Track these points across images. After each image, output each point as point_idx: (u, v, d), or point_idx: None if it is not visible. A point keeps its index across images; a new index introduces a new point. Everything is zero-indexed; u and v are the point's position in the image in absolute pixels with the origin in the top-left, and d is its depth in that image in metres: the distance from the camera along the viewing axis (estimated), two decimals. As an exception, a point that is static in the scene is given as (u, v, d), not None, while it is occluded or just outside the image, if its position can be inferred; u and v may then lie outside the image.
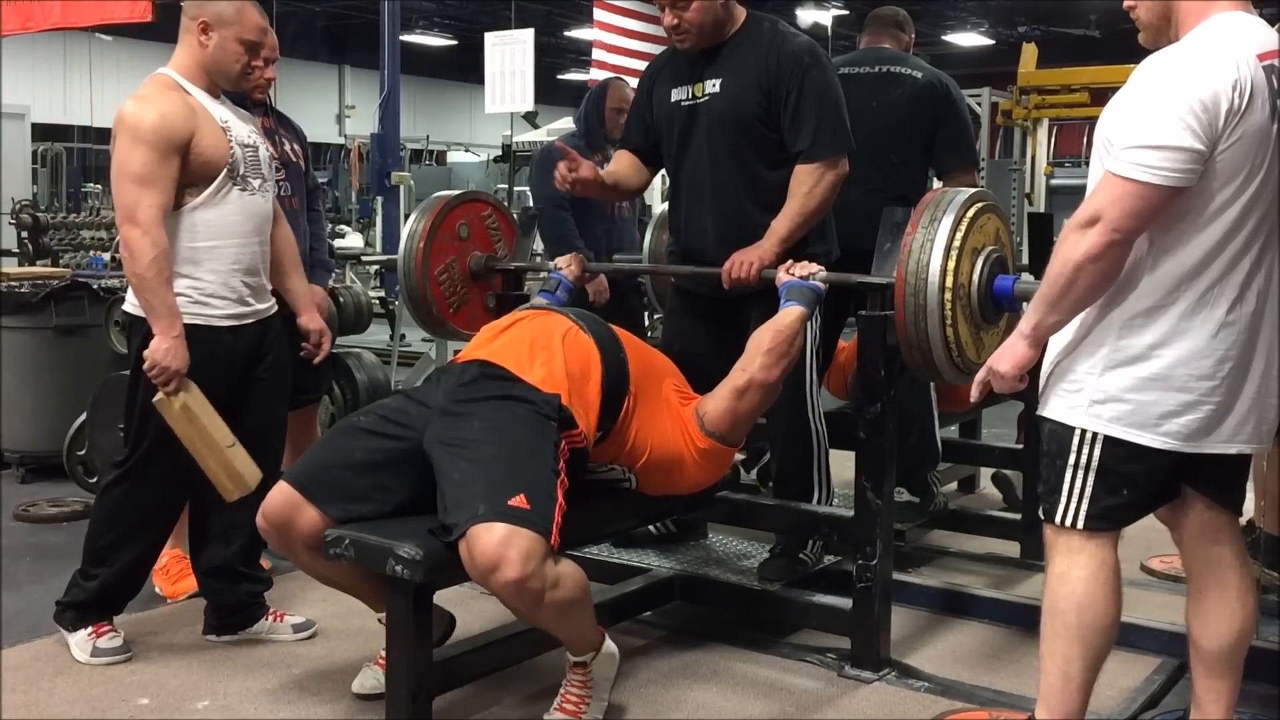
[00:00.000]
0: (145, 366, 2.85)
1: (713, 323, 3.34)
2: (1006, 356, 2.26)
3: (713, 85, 3.18)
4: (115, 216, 2.89)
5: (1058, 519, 2.26)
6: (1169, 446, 2.17)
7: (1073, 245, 2.12)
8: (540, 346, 2.65)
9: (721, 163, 3.19)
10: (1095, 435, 2.20)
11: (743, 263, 3.05)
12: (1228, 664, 2.33)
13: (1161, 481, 2.26)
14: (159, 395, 2.85)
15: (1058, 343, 2.27)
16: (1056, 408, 2.26)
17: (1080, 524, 2.24)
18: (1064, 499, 2.25)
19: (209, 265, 2.93)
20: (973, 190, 2.83)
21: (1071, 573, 2.25)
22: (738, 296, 3.18)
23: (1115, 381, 2.17)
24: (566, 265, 3.29)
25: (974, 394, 2.37)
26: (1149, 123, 2.07)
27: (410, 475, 2.54)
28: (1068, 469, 2.24)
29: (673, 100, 3.26)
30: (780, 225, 3.10)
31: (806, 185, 3.09)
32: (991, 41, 15.96)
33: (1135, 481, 2.22)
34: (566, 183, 3.21)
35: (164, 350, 2.82)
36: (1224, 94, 2.05)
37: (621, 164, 3.44)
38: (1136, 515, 2.30)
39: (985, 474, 4.82)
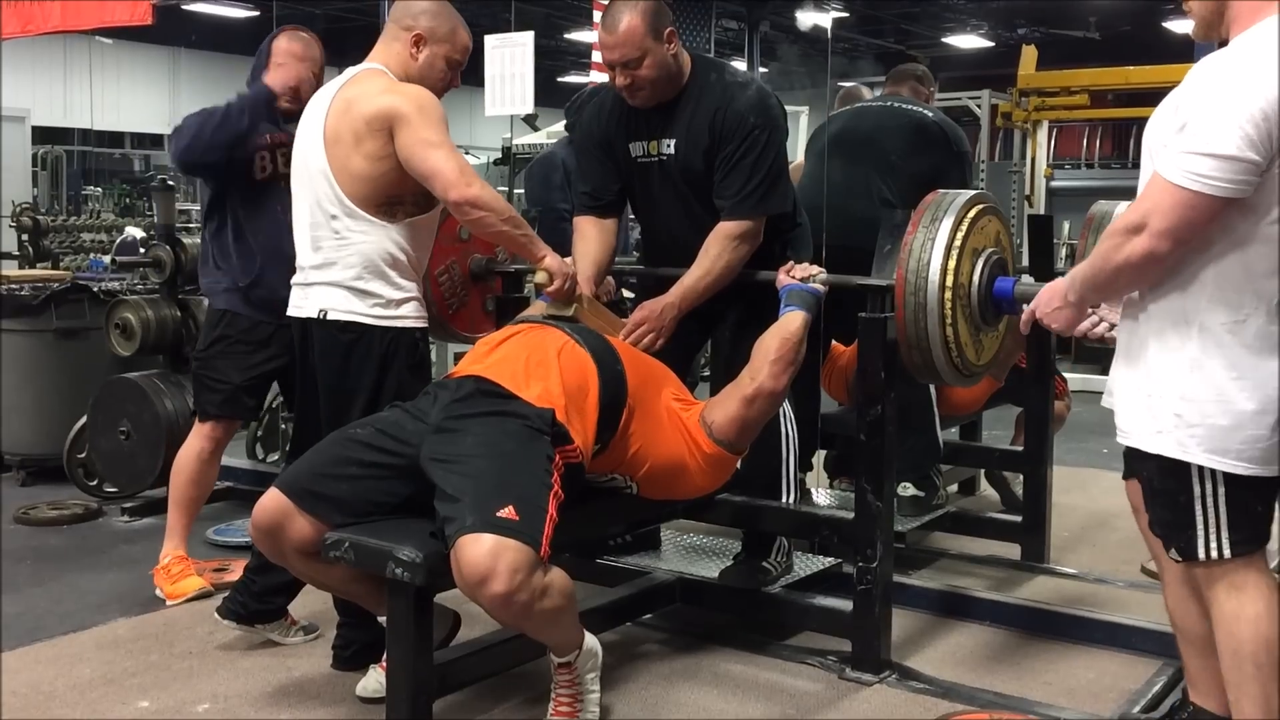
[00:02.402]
0: (551, 289, 2.87)
1: (684, 326, 3.28)
2: (1059, 317, 2.31)
3: (668, 145, 3.10)
4: (436, 187, 2.70)
5: (1201, 554, 2.17)
6: (1264, 473, 2.11)
7: (1115, 248, 2.10)
8: (536, 362, 2.64)
9: (684, 217, 3.15)
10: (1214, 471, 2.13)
11: (647, 331, 3.01)
12: (1212, 643, 2.29)
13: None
14: (575, 308, 2.92)
15: (1134, 361, 2.21)
16: (1165, 444, 2.15)
17: (1228, 553, 2.15)
18: (1201, 534, 2.16)
19: (418, 274, 2.91)
20: (973, 192, 2.83)
21: (1245, 611, 2.16)
22: (713, 300, 3.17)
23: (1215, 412, 2.10)
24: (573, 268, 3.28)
25: (1024, 328, 2.44)
26: (1206, 130, 2.01)
27: (404, 491, 2.54)
28: (1195, 502, 2.15)
29: (633, 155, 3.18)
30: (690, 280, 3.04)
31: (717, 249, 3.03)
32: (991, 44, 15.93)
33: (1267, 497, 2.17)
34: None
35: (560, 262, 2.91)
36: None
37: (591, 243, 3.21)
38: (1270, 527, 2.21)
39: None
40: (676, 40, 3.05)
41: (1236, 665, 2.17)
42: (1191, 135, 2.03)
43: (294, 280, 2.94)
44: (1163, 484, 2.19)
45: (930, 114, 3.96)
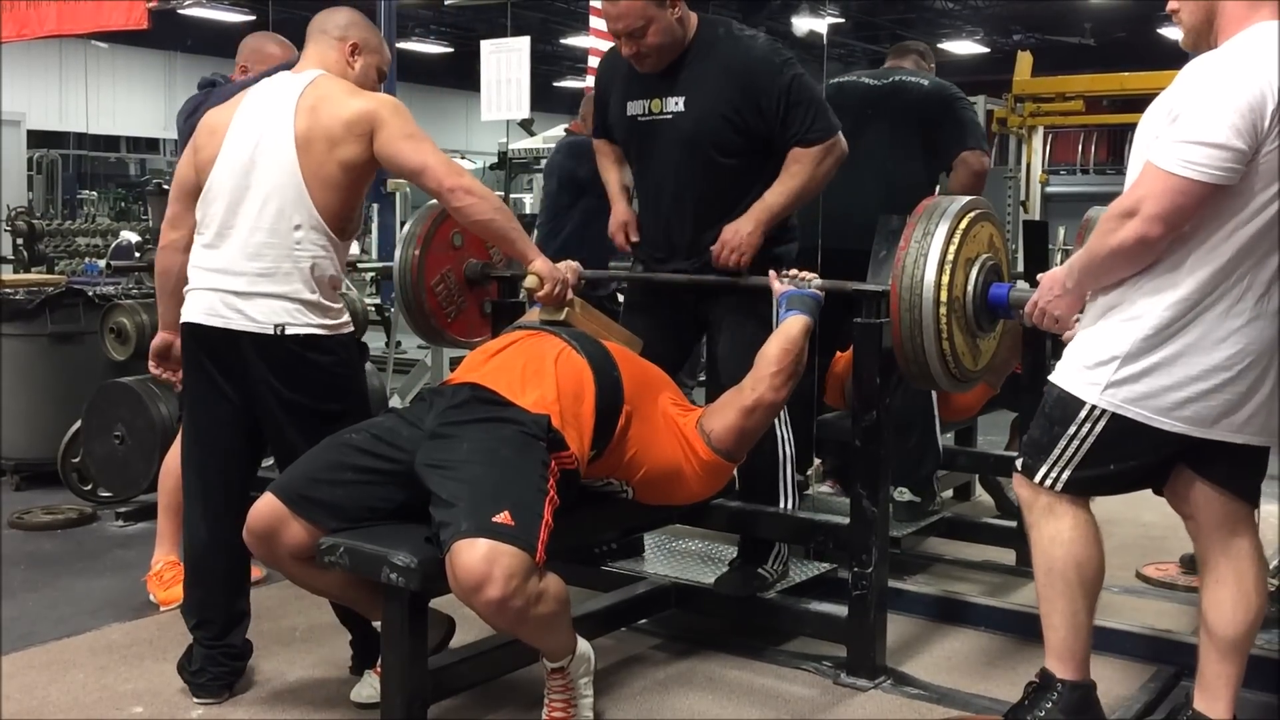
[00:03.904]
0: (541, 294, 2.87)
1: (678, 320, 3.31)
2: (1060, 305, 2.41)
3: (675, 104, 3.11)
4: (429, 179, 2.69)
5: (1037, 478, 2.39)
6: (1177, 429, 2.25)
7: (1108, 233, 2.22)
8: (533, 370, 2.63)
9: (690, 175, 3.14)
10: (1103, 411, 2.29)
11: (732, 250, 3.05)
12: (1239, 649, 2.39)
13: (1157, 463, 2.35)
14: (567, 313, 2.92)
15: (1092, 322, 2.35)
16: (1074, 381, 2.33)
17: (1059, 487, 2.37)
18: (1050, 461, 2.37)
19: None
20: (966, 199, 2.83)
21: (1061, 535, 2.37)
22: (701, 289, 3.20)
23: (1137, 365, 2.25)
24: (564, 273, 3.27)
25: (1028, 320, 2.55)
26: (1196, 120, 2.13)
27: (399, 496, 2.53)
28: (1064, 437, 2.34)
29: (629, 114, 3.20)
30: (773, 198, 3.06)
31: (808, 165, 3.06)
32: (987, 50, 15.96)
33: (1127, 457, 2.32)
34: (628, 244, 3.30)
35: (550, 266, 2.91)
36: (1270, 95, 2.12)
37: (609, 157, 3.42)
38: (1112, 490, 2.42)
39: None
40: (680, 2, 3.06)
41: (1049, 582, 2.39)
42: (1183, 125, 2.15)
43: (211, 285, 2.73)
44: (1052, 410, 2.38)
45: (926, 82, 4.00)
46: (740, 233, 3.06)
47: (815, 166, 3.07)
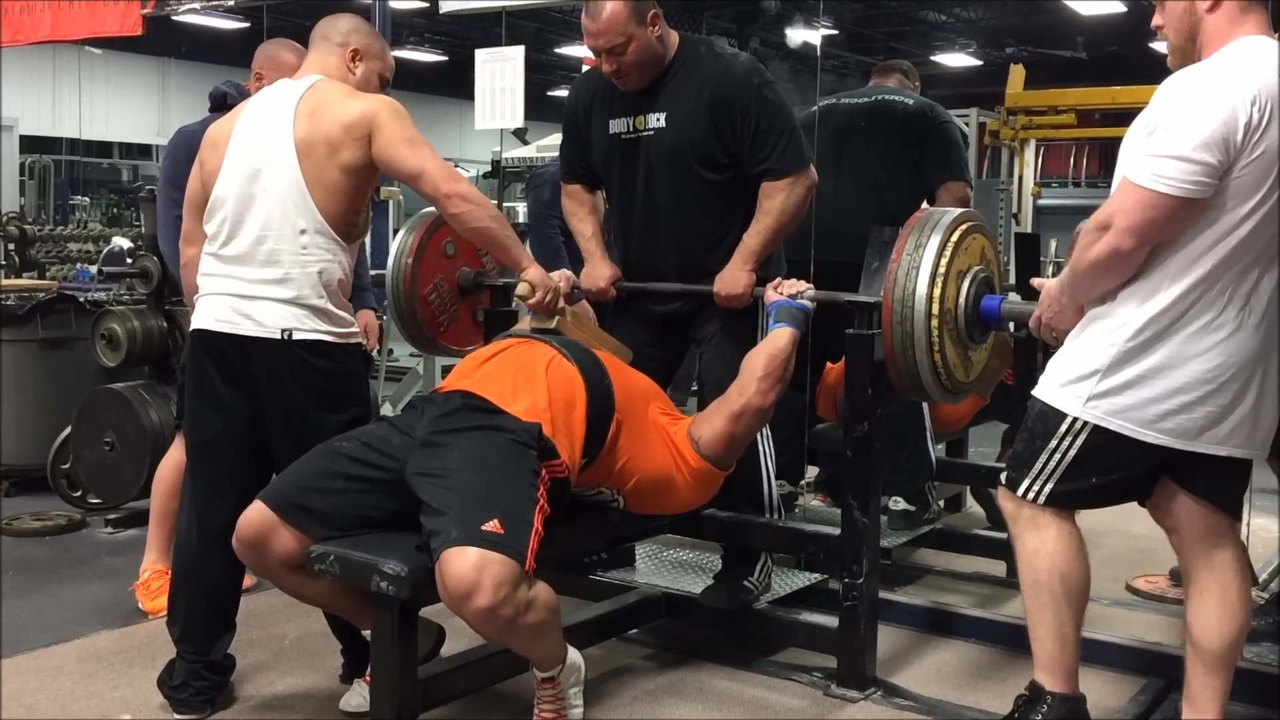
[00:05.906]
0: (533, 302, 2.89)
1: (660, 333, 3.32)
2: (1060, 319, 2.43)
3: (656, 119, 3.12)
4: (425, 185, 2.68)
5: (1020, 491, 2.41)
6: (1160, 442, 2.27)
7: (1087, 246, 2.25)
8: (524, 377, 2.64)
9: (673, 192, 3.15)
10: (1085, 424, 2.30)
11: (729, 296, 3.07)
12: (1225, 662, 2.40)
13: (1139, 475, 2.37)
14: (558, 321, 2.92)
15: (1077, 334, 2.38)
16: (1056, 395, 2.35)
17: (1042, 500, 2.38)
18: (1032, 475, 2.38)
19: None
20: (958, 211, 2.83)
21: (1045, 548, 2.39)
22: (690, 311, 3.21)
23: (1118, 377, 2.27)
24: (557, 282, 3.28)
25: (1034, 333, 2.57)
26: (1169, 134, 2.16)
27: (390, 505, 2.53)
28: (1045, 451, 2.36)
29: (611, 132, 3.20)
30: (752, 241, 3.08)
31: (778, 200, 3.07)
32: (979, 62, 16.03)
33: (1109, 470, 2.33)
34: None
35: (543, 274, 2.93)
36: (1242, 109, 2.14)
37: (584, 206, 3.38)
38: (1095, 504, 2.43)
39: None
40: (660, 21, 3.09)
41: (1035, 594, 2.41)
42: (1156, 139, 2.18)
43: (220, 291, 2.73)
44: (1034, 424, 2.40)
45: (911, 101, 4.02)
46: (738, 282, 3.07)
47: (786, 201, 3.07)
